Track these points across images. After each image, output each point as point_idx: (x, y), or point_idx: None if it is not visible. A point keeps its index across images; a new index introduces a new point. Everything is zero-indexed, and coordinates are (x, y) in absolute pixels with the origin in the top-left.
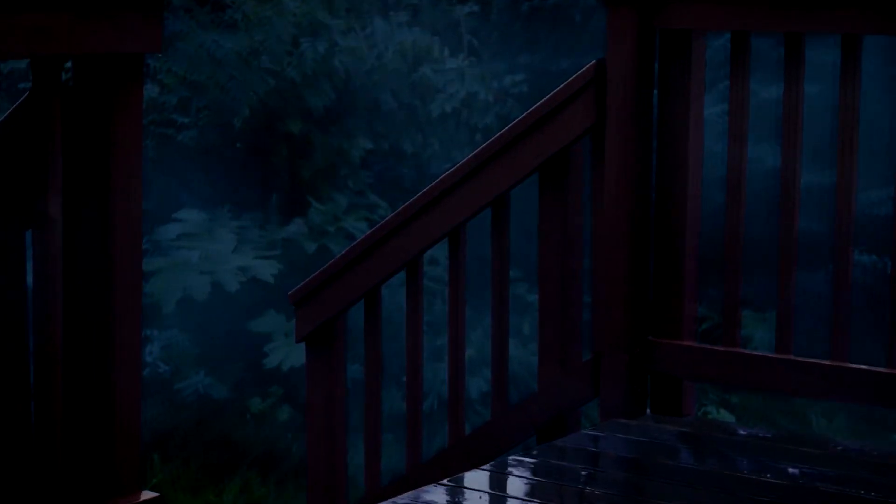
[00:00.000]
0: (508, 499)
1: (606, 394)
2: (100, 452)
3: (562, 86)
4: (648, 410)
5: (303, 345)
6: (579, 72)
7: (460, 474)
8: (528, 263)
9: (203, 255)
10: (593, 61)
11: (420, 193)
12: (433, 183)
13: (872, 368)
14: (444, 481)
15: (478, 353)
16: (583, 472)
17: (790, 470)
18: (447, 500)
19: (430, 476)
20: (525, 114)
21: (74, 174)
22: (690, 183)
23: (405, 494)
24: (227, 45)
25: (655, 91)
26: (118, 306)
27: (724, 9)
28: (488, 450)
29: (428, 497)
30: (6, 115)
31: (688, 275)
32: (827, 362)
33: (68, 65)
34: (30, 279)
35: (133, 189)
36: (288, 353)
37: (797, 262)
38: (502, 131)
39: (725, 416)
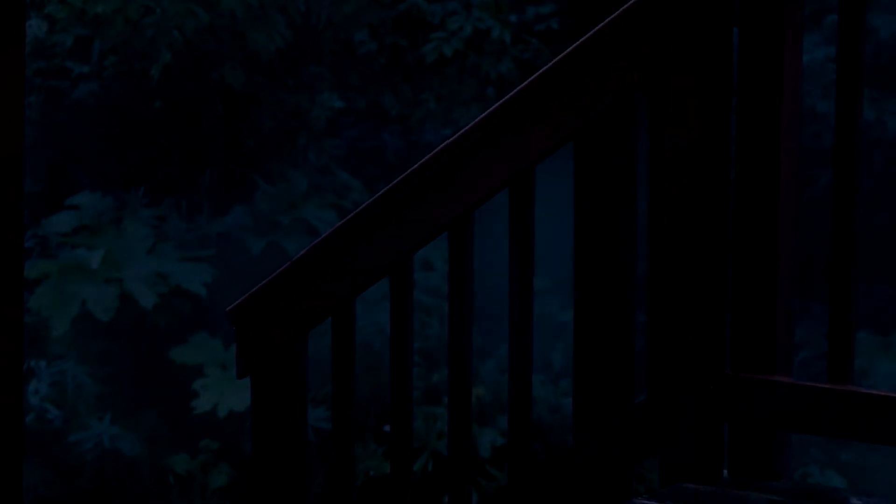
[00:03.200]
0: None
1: (668, 448)
2: None
3: (607, 20)
4: (726, 472)
5: (246, 381)
6: (632, 1)
7: None
8: (560, 268)
9: (108, 256)
10: None
11: (409, 170)
12: (427, 156)
13: None
14: None
15: (490, 393)
16: None
17: None
18: None
19: None
20: (556, 59)
21: None
22: (784, 155)
23: None
24: None
25: (736, 28)
26: None
27: None
28: None
29: None
30: None
31: (781, 284)
32: None
33: None
34: None
35: (11, 163)
36: (225, 393)
37: None
38: (524, 83)
39: (833, 479)
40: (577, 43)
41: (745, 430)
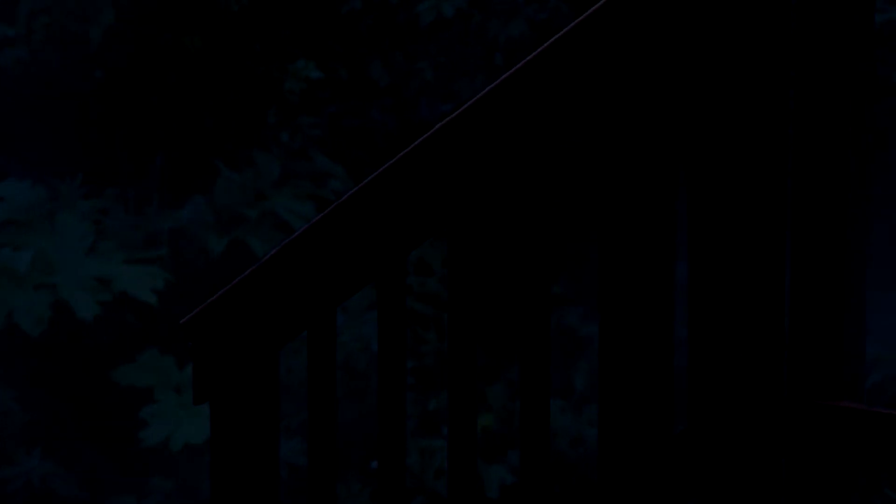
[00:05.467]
0: None
1: (713, 487)
2: None
3: None
4: None
5: (205, 408)
6: None
7: None
8: (584, 271)
9: (39, 257)
10: None
11: (401, 154)
12: (423, 136)
13: None
14: None
15: (499, 421)
16: None
17: None
18: None
19: None
20: (578, 20)
21: None
22: (854, 136)
23: None
24: None
25: None
26: None
27: None
28: None
29: None
30: None
31: (850, 291)
32: None
33: None
34: None
35: None
36: (180, 423)
37: None
38: (539, 50)
39: None
40: (598, 4)
41: (806, 466)
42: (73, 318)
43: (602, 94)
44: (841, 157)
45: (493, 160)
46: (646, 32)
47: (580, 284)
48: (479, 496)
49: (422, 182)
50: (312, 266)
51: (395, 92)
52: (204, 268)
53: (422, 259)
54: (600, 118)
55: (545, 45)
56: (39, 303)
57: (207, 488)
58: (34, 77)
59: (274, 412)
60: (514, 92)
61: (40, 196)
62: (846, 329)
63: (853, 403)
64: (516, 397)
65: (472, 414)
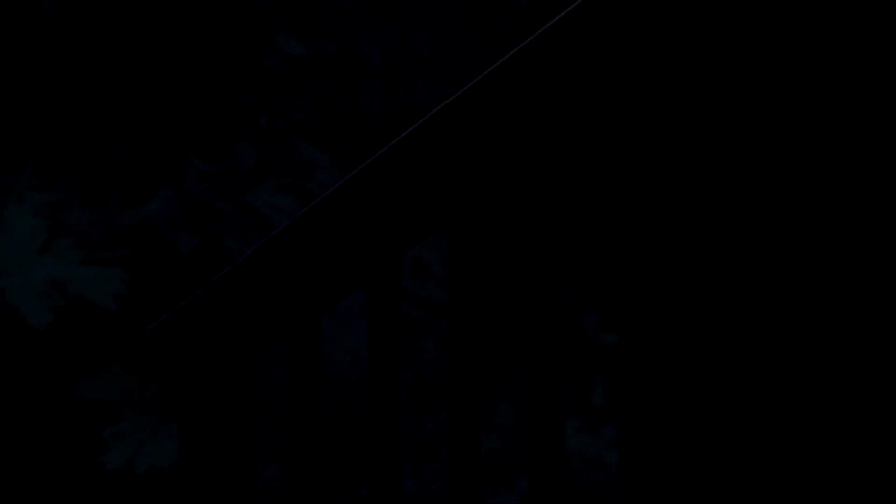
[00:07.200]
0: None
1: None
2: None
3: None
4: None
5: (173, 428)
6: None
7: None
8: (602, 272)
9: None
10: None
11: (395, 141)
12: (420, 120)
13: None
14: None
15: (505, 443)
16: None
17: None
18: None
19: None
20: None
21: None
22: None
23: None
24: None
25: None
26: None
27: None
28: None
29: None
30: None
31: None
32: None
33: None
34: None
35: None
36: (145, 444)
37: None
38: (553, 21)
39: None
40: None
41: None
42: (23, 326)
43: (623, 71)
44: None
45: (499, 147)
46: (671, 7)
47: (597, 287)
48: None
49: (418, 172)
50: (295, 267)
51: (388, 72)
52: (172, 269)
53: (419, 259)
54: (621, 99)
55: (559, 16)
56: None
57: None
58: None
59: (251, 434)
60: (524, 69)
61: None
62: None
63: None
64: (526, 415)
65: (476, 434)
